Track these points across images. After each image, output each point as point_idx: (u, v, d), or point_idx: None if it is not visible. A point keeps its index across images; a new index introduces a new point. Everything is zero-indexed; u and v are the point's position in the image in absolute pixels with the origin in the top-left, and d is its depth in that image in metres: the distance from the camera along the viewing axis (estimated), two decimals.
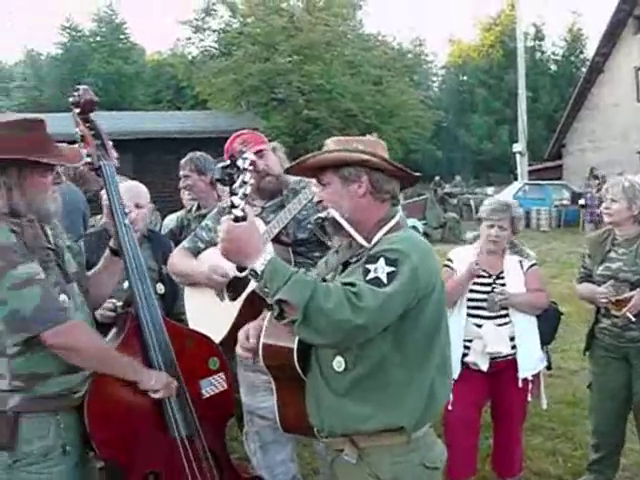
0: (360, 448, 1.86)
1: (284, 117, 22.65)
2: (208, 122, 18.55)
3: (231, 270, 2.57)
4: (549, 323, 3.28)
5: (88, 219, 4.14)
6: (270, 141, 3.11)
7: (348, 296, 1.65)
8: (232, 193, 1.73)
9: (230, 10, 25.27)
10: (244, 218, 1.72)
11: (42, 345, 1.93)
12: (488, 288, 3.18)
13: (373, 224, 1.90)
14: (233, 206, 1.72)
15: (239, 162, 1.75)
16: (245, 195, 1.74)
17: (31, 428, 1.98)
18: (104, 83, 31.65)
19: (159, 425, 2.20)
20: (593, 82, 23.54)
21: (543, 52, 37.55)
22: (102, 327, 2.37)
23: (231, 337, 2.36)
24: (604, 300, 3.19)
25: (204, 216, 3.28)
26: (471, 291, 3.18)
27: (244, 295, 2.62)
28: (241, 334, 1.99)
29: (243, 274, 1.81)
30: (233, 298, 2.69)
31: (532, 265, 3.28)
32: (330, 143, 1.97)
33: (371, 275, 1.71)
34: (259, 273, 1.67)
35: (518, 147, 21.36)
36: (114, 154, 2.31)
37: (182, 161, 4.03)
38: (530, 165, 23.12)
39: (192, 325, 2.75)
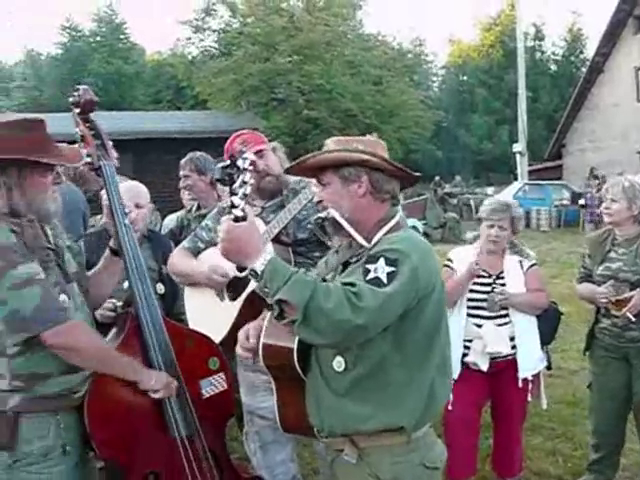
0: (360, 448, 1.86)
1: (284, 117, 22.64)
2: (208, 122, 18.54)
3: (231, 270, 2.57)
4: (549, 323, 3.28)
5: (88, 219, 4.13)
6: (270, 141, 3.11)
7: (348, 296, 1.65)
8: (232, 193, 1.73)
9: (230, 10, 25.27)
10: (244, 218, 1.72)
11: (42, 345, 1.93)
12: (488, 288, 3.18)
13: (373, 224, 1.90)
14: (233, 206, 1.72)
15: (239, 162, 1.75)
16: (245, 195, 1.74)
17: (31, 428, 1.98)
18: (104, 83, 31.64)
19: (159, 425, 2.20)
20: (593, 82, 23.53)
21: (543, 52, 37.55)
22: (102, 327, 2.37)
23: (231, 337, 2.36)
24: (604, 300, 3.19)
25: (204, 216, 3.28)
26: (471, 291, 3.18)
27: (244, 295, 2.61)
28: (241, 334, 1.99)
29: (243, 274, 1.81)
30: (233, 298, 2.69)
31: (532, 265, 3.28)
32: (330, 143, 1.97)
33: (371, 275, 1.71)
34: (259, 273, 1.67)
35: (518, 147, 21.36)
36: (114, 154, 2.31)
37: (182, 161, 4.03)
38: (530, 165, 23.11)
39: (192, 325, 2.75)
